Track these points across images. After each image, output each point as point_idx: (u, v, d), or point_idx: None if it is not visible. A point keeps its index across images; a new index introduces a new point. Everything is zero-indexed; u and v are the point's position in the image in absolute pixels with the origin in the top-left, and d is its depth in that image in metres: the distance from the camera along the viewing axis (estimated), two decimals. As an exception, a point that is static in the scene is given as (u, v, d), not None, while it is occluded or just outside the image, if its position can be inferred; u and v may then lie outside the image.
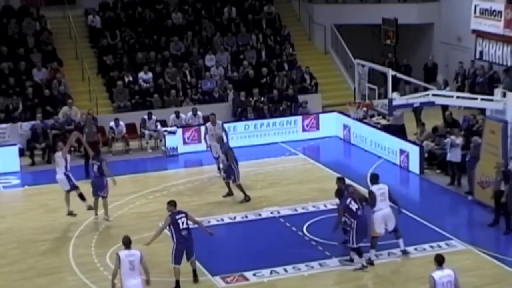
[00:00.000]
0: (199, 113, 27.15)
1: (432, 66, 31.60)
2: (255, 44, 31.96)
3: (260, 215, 20.55)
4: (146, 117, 26.94)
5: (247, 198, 21.37)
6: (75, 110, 27.06)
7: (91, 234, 19.42)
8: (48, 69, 28.90)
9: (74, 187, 20.19)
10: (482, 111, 23.60)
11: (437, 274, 13.33)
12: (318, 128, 27.54)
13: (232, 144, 26.08)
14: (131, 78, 29.28)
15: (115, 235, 19.35)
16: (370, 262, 17.25)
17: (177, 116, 26.90)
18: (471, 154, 21.27)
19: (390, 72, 20.75)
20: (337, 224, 17.37)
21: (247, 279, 16.79)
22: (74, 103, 27.46)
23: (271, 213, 20.62)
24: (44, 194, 22.16)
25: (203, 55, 30.81)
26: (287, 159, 25.42)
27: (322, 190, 21.75)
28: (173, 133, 25.99)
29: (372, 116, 26.79)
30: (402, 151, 24.13)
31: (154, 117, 26.97)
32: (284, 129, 27.27)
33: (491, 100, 20.94)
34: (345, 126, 27.12)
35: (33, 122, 26.19)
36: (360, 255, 17.03)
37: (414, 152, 23.71)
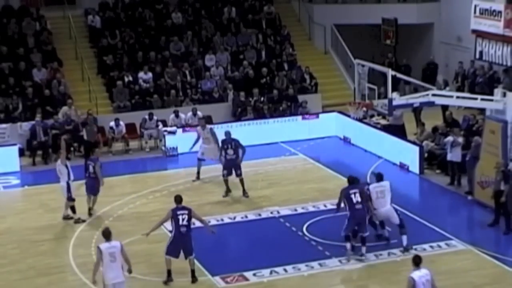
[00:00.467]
0: (199, 113, 27.14)
1: (428, 66, 31.58)
2: (255, 44, 31.96)
3: (260, 215, 20.55)
4: (147, 117, 26.93)
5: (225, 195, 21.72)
6: (75, 110, 27.04)
7: (91, 234, 19.39)
8: (48, 69, 28.90)
9: (70, 199, 20.19)
10: (482, 111, 23.60)
11: (416, 275, 13.45)
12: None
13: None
14: (131, 78, 29.28)
15: (115, 235, 19.27)
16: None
17: (177, 116, 26.90)
18: (471, 154, 21.27)
19: (390, 72, 20.76)
20: (337, 207, 17.81)
21: (247, 279, 16.79)
22: (74, 103, 27.45)
23: (271, 213, 20.62)
24: (44, 194, 22.16)
25: (203, 55, 30.81)
26: (287, 159, 25.42)
27: (322, 190, 21.76)
28: (173, 133, 25.99)
29: (372, 116, 26.80)
30: (402, 165, 24.20)
31: (155, 117, 26.97)
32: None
33: (491, 100, 20.95)
34: (345, 126, 27.14)
35: (33, 122, 26.18)
36: (348, 240, 17.42)
37: (414, 153, 23.76)
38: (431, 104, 21.40)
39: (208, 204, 21.34)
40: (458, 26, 29.84)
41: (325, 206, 20.51)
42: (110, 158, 25.63)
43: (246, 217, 20.48)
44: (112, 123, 26.63)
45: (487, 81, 28.73)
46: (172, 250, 16.44)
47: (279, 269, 17.11)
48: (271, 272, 17.02)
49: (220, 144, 22.49)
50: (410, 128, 26.50)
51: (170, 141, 26.02)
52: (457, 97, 22.76)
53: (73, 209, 20.31)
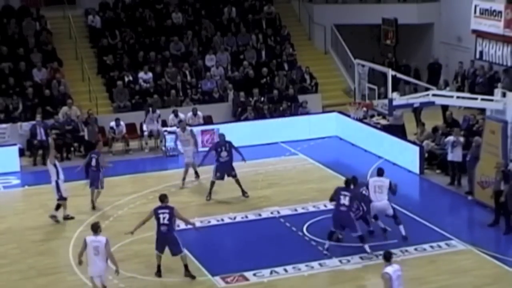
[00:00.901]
0: (199, 113, 27.17)
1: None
2: (255, 44, 31.96)
3: (260, 215, 20.55)
4: (150, 109, 26.94)
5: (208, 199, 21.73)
6: (75, 110, 27.05)
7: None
8: (48, 69, 28.91)
9: (61, 198, 20.22)
10: (482, 111, 23.61)
11: (390, 270, 13.60)
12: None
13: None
14: (131, 78, 29.29)
15: (115, 235, 19.33)
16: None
17: (176, 116, 26.89)
18: (472, 154, 21.27)
19: (390, 72, 20.77)
20: (330, 200, 18.42)
21: (247, 279, 16.79)
22: (74, 103, 27.46)
23: (271, 213, 20.63)
24: (44, 194, 22.14)
25: (203, 55, 30.81)
26: (287, 159, 25.42)
27: (322, 190, 21.74)
28: (174, 133, 25.97)
29: (372, 116, 26.80)
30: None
31: (158, 112, 26.99)
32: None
33: (491, 100, 20.96)
34: (345, 126, 27.16)
35: (33, 122, 26.18)
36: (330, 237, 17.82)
37: (414, 153, 23.78)
38: (430, 104, 21.44)
39: (208, 204, 21.35)
40: (458, 26, 29.84)
41: (325, 206, 20.49)
42: (110, 158, 25.60)
43: (246, 217, 20.48)
44: (113, 123, 26.63)
45: (487, 81, 28.73)
46: (158, 246, 16.80)
47: (279, 269, 17.12)
48: (271, 272, 17.02)
49: (197, 145, 22.99)
50: (410, 128, 26.50)
51: (170, 141, 26.02)
52: (457, 97, 22.78)
53: (58, 207, 20.33)
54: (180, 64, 30.21)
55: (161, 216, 16.58)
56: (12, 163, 24.74)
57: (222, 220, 20.25)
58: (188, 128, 23.52)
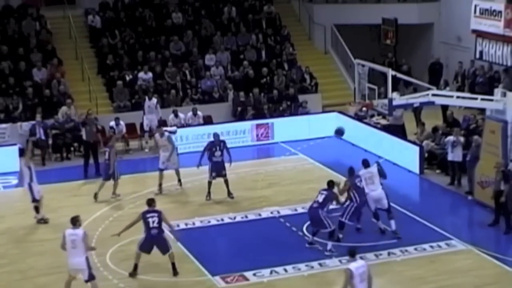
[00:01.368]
0: (199, 113, 27.17)
1: (433, 66, 31.62)
2: (255, 44, 31.96)
3: (260, 215, 20.55)
4: (146, 97, 27.14)
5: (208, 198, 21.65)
6: (74, 110, 27.04)
7: (91, 234, 19.31)
8: (48, 67, 28.89)
9: (34, 200, 20.26)
10: (482, 111, 23.61)
11: (353, 266, 13.68)
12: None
13: (231, 144, 26.27)
14: (131, 78, 29.27)
15: (115, 235, 19.39)
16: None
17: (176, 116, 26.90)
18: (472, 154, 21.27)
19: (390, 72, 20.77)
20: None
21: (247, 279, 16.79)
22: (74, 103, 27.46)
23: (271, 213, 20.62)
24: (44, 194, 22.07)
25: (203, 55, 30.81)
26: (287, 159, 25.42)
27: (322, 190, 21.73)
28: (173, 133, 25.92)
29: (372, 116, 26.79)
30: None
31: (154, 99, 27.10)
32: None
33: (491, 100, 20.96)
34: (345, 126, 27.11)
35: (33, 122, 26.17)
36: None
37: (414, 153, 23.77)
38: (430, 104, 21.44)
39: (208, 204, 21.34)
40: (458, 26, 29.84)
41: (325, 206, 20.47)
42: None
43: (246, 217, 20.48)
44: (112, 123, 26.61)
45: (487, 81, 28.73)
46: (145, 247, 16.83)
47: (279, 269, 17.12)
48: (271, 272, 17.02)
49: (176, 150, 22.78)
50: (410, 128, 26.49)
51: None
52: (457, 97, 22.77)
53: (36, 209, 20.35)
54: (180, 64, 30.20)
55: (150, 220, 16.70)
56: (12, 163, 24.72)
57: (222, 220, 20.25)
58: (166, 133, 22.94)
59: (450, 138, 22.31)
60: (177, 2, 32.96)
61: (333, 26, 33.22)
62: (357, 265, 13.70)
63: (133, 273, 16.92)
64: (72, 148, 26.14)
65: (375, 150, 25.50)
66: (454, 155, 22.09)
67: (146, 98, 27.17)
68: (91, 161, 24.27)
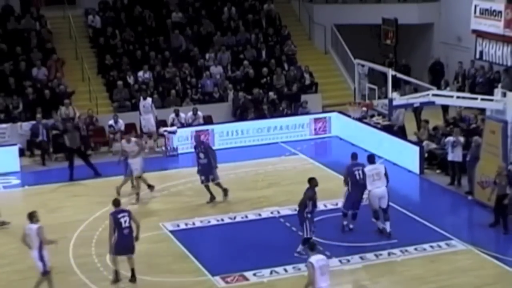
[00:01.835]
0: (199, 113, 27.17)
1: (433, 66, 31.61)
2: (255, 44, 31.96)
3: (260, 215, 20.55)
4: (141, 97, 26.99)
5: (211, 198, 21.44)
6: (73, 109, 27.02)
7: (91, 234, 19.40)
8: (49, 64, 28.86)
9: None
10: (482, 111, 23.60)
11: (314, 259, 13.82)
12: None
13: (230, 144, 26.23)
14: (131, 78, 29.27)
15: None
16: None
17: (177, 115, 26.90)
18: (472, 154, 21.26)
19: (390, 72, 20.77)
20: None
21: (247, 279, 16.79)
22: (74, 103, 27.45)
23: (271, 213, 20.62)
24: (44, 194, 22.15)
25: (203, 55, 30.80)
26: (287, 159, 25.41)
27: (322, 190, 21.62)
28: (173, 133, 25.97)
29: (372, 116, 26.79)
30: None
31: (149, 99, 26.87)
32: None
33: (491, 100, 20.96)
34: (345, 126, 27.17)
35: (33, 122, 26.17)
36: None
37: (414, 153, 23.78)
38: (431, 103, 21.45)
39: (208, 204, 21.33)
40: (458, 26, 29.83)
41: (325, 206, 20.50)
42: (110, 158, 25.61)
43: (246, 217, 20.48)
44: (111, 121, 26.62)
45: (487, 81, 28.73)
46: (117, 250, 16.48)
47: (279, 269, 17.12)
48: (271, 272, 17.02)
49: (143, 150, 22.44)
50: (410, 128, 26.49)
51: (170, 141, 26.00)
52: (457, 97, 22.78)
53: None
54: (180, 64, 30.20)
55: (122, 219, 16.42)
56: (12, 163, 24.72)
57: (222, 220, 20.25)
58: (133, 139, 22.10)
59: (450, 138, 22.32)
60: (177, 2, 32.96)
61: (333, 26, 33.22)
62: (317, 259, 13.84)
63: (116, 279, 16.61)
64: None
65: (375, 150, 25.46)
66: (454, 155, 22.09)
67: (141, 98, 27.04)
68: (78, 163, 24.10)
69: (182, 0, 33.07)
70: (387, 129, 25.85)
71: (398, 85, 24.94)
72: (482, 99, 21.28)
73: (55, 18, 31.65)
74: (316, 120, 27.46)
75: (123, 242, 16.43)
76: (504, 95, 20.62)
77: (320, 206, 20.60)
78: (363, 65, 21.73)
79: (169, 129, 26.26)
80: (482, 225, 19.53)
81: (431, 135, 24.54)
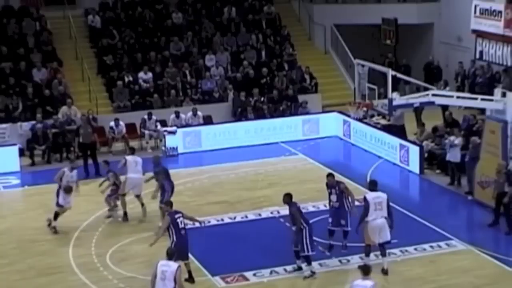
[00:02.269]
0: (199, 113, 27.18)
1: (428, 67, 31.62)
2: (255, 44, 31.96)
3: (260, 215, 20.56)
4: (146, 117, 26.96)
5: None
6: (75, 110, 27.05)
7: (91, 234, 19.41)
8: (48, 69, 28.90)
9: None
10: (482, 111, 23.60)
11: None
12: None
13: (230, 144, 26.21)
14: (131, 78, 29.27)
15: (115, 235, 19.38)
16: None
17: (177, 116, 26.93)
18: (470, 155, 21.28)
19: (390, 72, 20.77)
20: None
21: (247, 279, 16.79)
22: (74, 103, 27.46)
23: (271, 213, 20.63)
24: (44, 194, 22.12)
25: (203, 55, 30.81)
26: (287, 159, 25.42)
27: (322, 190, 21.57)
28: (173, 133, 25.98)
29: (372, 116, 26.79)
30: (402, 146, 24.21)
31: (154, 117, 26.98)
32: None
33: (491, 100, 20.96)
34: (344, 125, 27.17)
35: (33, 122, 26.18)
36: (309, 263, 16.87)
37: (414, 153, 23.77)
38: (431, 103, 21.44)
39: (208, 204, 21.35)
40: (458, 26, 29.84)
41: (325, 206, 20.42)
42: (110, 158, 25.59)
43: (246, 217, 20.48)
44: (112, 123, 26.63)
45: (487, 81, 28.73)
46: (184, 254, 16.19)
47: (279, 269, 17.12)
48: (271, 272, 17.02)
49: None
50: (410, 128, 26.49)
51: (170, 141, 26.03)
52: (457, 97, 22.78)
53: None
54: (180, 64, 30.20)
55: (178, 220, 16.22)
56: (12, 163, 24.73)
57: (222, 220, 20.25)
58: (76, 170, 20.20)
59: (449, 138, 22.33)
60: (177, 2, 32.96)
61: (333, 26, 33.22)
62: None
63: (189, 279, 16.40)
64: (72, 148, 26.12)
65: (375, 150, 25.51)
66: (451, 155, 22.11)
67: (146, 117, 26.75)
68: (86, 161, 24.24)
69: (182, 1, 33.06)
70: (387, 129, 25.85)
71: (397, 85, 24.93)
72: (482, 99, 21.29)
73: (55, 18, 31.63)
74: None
75: (180, 244, 16.04)
76: (504, 95, 20.62)
77: (320, 206, 20.67)
78: (363, 65, 21.73)
79: (169, 129, 26.28)
80: (482, 225, 19.55)
81: (429, 137, 24.52)
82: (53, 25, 31.28)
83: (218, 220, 20.17)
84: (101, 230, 19.79)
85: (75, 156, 25.65)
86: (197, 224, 17.70)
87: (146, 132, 26.72)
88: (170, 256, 14.20)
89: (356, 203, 17.89)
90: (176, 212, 16.51)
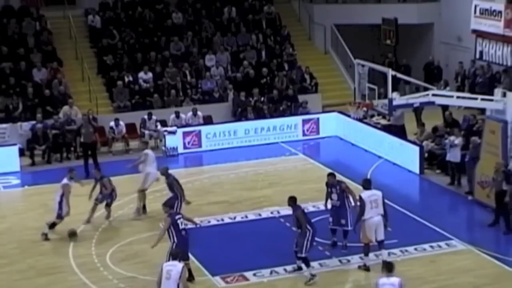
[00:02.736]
0: (199, 113, 27.19)
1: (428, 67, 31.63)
2: (255, 44, 31.96)
3: (260, 215, 20.56)
4: (146, 117, 26.97)
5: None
6: (76, 109, 27.06)
7: (91, 234, 19.42)
8: (48, 69, 28.90)
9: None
10: (482, 111, 23.60)
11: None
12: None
13: (230, 144, 26.21)
14: (131, 78, 29.27)
15: (115, 235, 19.39)
16: (366, 268, 17.12)
17: (177, 116, 26.94)
18: (470, 155, 21.28)
19: (390, 72, 20.76)
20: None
21: (247, 279, 16.79)
22: (74, 103, 27.46)
23: (271, 213, 20.63)
24: (44, 194, 22.13)
25: (203, 55, 30.81)
26: (287, 159, 25.42)
27: (322, 190, 21.59)
28: (173, 133, 25.98)
29: (372, 116, 26.80)
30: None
31: (154, 117, 26.98)
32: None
33: (491, 100, 20.96)
34: (345, 126, 27.18)
35: (33, 122, 26.18)
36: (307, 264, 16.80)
37: (414, 153, 23.77)
38: (431, 103, 21.43)
39: (208, 204, 21.35)
40: (458, 26, 29.83)
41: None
42: (110, 158, 25.64)
43: (246, 217, 20.48)
44: (112, 123, 26.63)
45: (487, 81, 28.73)
46: (186, 253, 16.19)
47: (279, 269, 17.12)
48: (271, 272, 17.02)
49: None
50: (410, 128, 26.50)
51: (170, 141, 26.03)
52: (457, 97, 22.77)
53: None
54: (180, 64, 30.20)
55: (179, 221, 16.24)
56: (12, 163, 24.74)
57: (222, 220, 20.25)
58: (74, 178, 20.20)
59: (449, 138, 22.33)
60: (177, 2, 32.96)
61: (333, 26, 33.22)
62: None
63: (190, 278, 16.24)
64: (72, 148, 26.13)
65: (375, 150, 25.51)
66: (451, 155, 22.12)
67: (146, 117, 26.78)
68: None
69: (182, 1, 33.06)
70: (387, 129, 25.86)
71: (397, 85, 24.92)
72: (482, 99, 21.29)
73: (55, 18, 31.63)
74: (304, 121, 27.52)
75: (181, 244, 16.02)
76: (504, 95, 20.62)
77: (320, 206, 20.64)
78: (363, 65, 21.73)
79: (169, 129, 26.29)
80: (482, 225, 19.54)
81: (429, 137, 24.52)
82: (53, 25, 31.29)
83: (218, 220, 20.17)
84: (101, 230, 19.79)
85: (76, 156, 25.75)
86: (193, 225, 17.60)
87: (146, 132, 26.73)
88: (175, 257, 14.20)
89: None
90: (177, 213, 16.55)
